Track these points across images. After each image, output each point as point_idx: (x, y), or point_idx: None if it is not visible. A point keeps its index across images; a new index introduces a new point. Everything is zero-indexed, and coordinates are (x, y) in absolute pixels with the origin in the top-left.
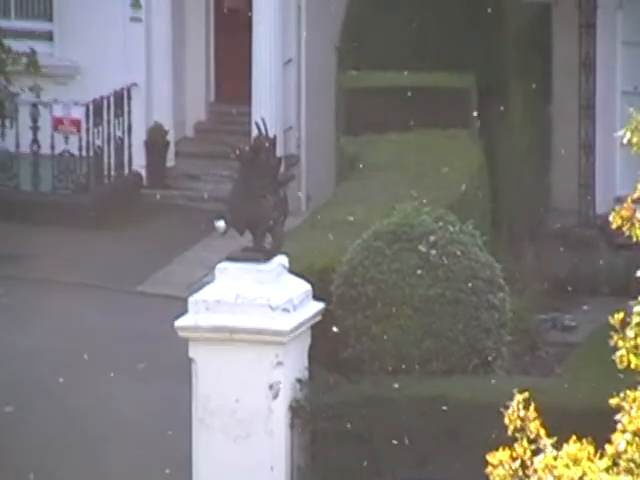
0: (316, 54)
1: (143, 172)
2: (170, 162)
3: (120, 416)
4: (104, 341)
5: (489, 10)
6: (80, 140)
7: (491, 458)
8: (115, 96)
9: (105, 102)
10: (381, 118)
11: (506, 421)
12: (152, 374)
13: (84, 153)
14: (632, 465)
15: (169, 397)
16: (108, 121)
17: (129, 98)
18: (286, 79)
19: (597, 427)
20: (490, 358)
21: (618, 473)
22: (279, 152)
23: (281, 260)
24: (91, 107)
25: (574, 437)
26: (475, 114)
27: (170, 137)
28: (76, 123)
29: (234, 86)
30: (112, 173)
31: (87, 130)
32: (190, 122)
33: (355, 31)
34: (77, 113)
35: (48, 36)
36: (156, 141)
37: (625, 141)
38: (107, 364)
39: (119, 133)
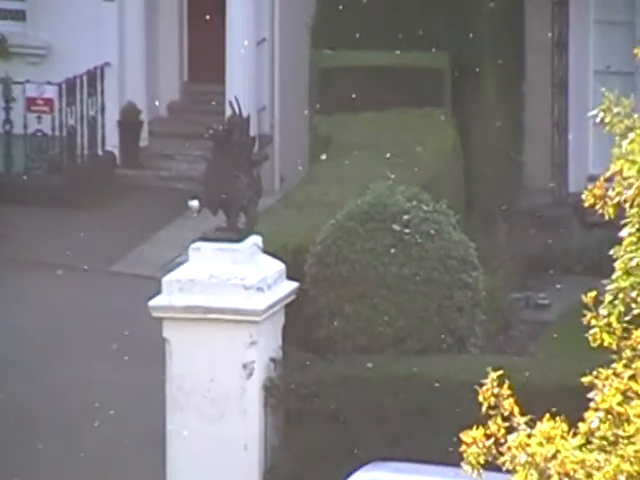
0: (290, 33)
1: (116, 152)
2: (144, 142)
3: (94, 395)
4: (78, 321)
5: None
6: (53, 120)
7: (465, 436)
8: (88, 76)
9: (78, 82)
10: (355, 97)
11: (480, 398)
12: (126, 354)
13: (57, 133)
14: (605, 443)
15: (143, 377)
16: (81, 101)
17: (102, 78)
18: (259, 59)
19: (570, 405)
20: (464, 337)
21: (591, 451)
22: (253, 132)
23: (255, 240)
24: (64, 87)
25: (547, 415)
26: (449, 93)
27: (143, 117)
28: (49, 103)
29: (208, 65)
30: (85, 153)
31: (60, 110)
32: (163, 102)
33: (329, 10)
34: (50, 93)
35: (21, 16)
36: (129, 121)
37: (598, 120)
38: (81, 344)
39: (92, 113)
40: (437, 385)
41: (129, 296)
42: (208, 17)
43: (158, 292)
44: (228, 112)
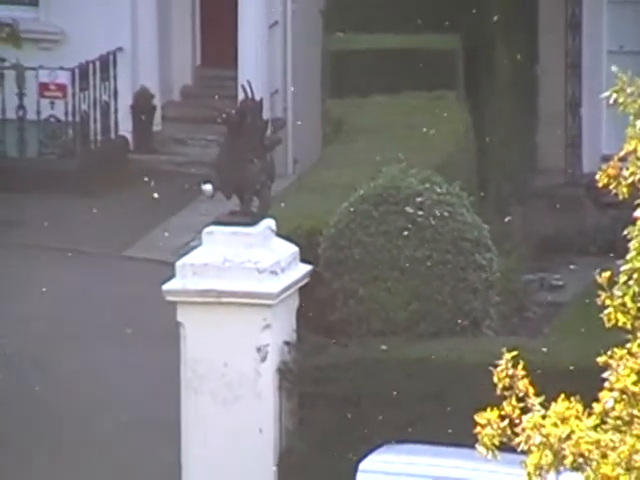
0: (302, 17)
1: (129, 137)
2: (157, 126)
3: (109, 380)
4: (92, 306)
5: None
6: (66, 105)
7: (479, 418)
8: (101, 61)
9: (91, 67)
10: (367, 80)
11: (495, 380)
12: (140, 338)
13: (70, 118)
14: (619, 423)
15: (157, 361)
16: (94, 86)
17: (115, 63)
18: (272, 42)
19: (585, 385)
20: (478, 319)
21: (606, 431)
22: (265, 115)
23: (268, 223)
24: (77, 72)
25: (562, 396)
26: (461, 75)
27: (156, 101)
28: (62, 88)
29: (220, 49)
30: (98, 138)
31: (73, 95)
32: (176, 86)
33: None
34: (63, 78)
35: (34, 1)
36: (142, 105)
37: (611, 101)
38: (95, 329)
39: (105, 98)
40: (452, 367)
41: (142, 281)
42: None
43: (172, 276)
44: (241, 96)
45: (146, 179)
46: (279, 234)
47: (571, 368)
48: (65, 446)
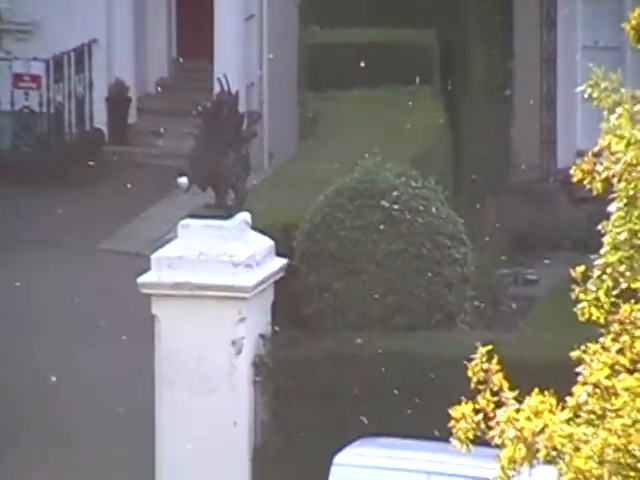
0: (278, 10)
1: (104, 129)
2: (132, 119)
3: (83, 372)
4: (66, 298)
5: None
6: (40, 96)
7: (454, 412)
8: (76, 52)
9: (66, 58)
10: (343, 74)
11: (469, 373)
12: (115, 331)
13: (44, 109)
14: (592, 416)
15: (131, 354)
16: (69, 77)
17: (90, 54)
18: (248, 35)
19: (559, 379)
20: (453, 313)
21: (579, 425)
22: (241, 108)
23: (244, 217)
24: (51, 63)
25: (536, 390)
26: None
27: (132, 93)
28: (36, 79)
29: (196, 42)
30: (73, 130)
31: (47, 86)
32: (152, 78)
33: None
34: (37, 69)
35: None
36: (117, 97)
37: (586, 96)
38: (69, 321)
39: (80, 89)
40: (426, 361)
41: (117, 273)
42: None
43: (147, 269)
44: (217, 89)
45: (121, 171)
46: (255, 227)
47: (545, 362)
48: (38, 437)
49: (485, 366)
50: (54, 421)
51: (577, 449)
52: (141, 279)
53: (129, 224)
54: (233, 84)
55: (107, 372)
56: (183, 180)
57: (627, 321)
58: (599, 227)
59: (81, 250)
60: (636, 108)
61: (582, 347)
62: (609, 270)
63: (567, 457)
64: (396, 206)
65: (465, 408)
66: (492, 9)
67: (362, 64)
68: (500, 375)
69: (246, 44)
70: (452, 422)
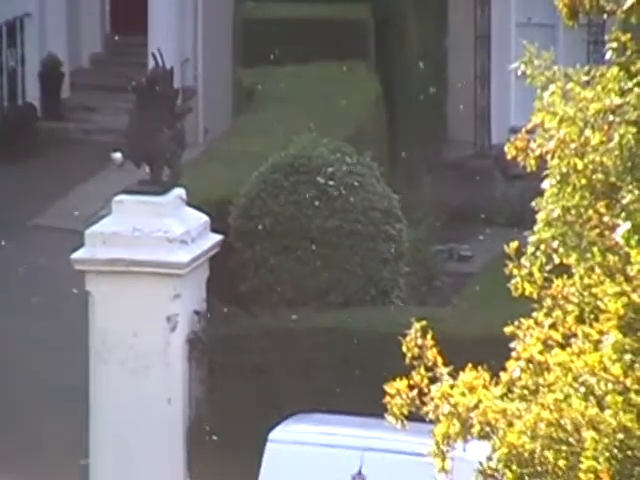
0: None
1: (37, 104)
2: (65, 94)
3: (16, 350)
4: None
5: None
6: None
7: (389, 388)
8: (7, 26)
9: None
10: (278, 50)
11: (404, 349)
12: (48, 308)
13: None
14: (525, 392)
15: (65, 331)
16: (0, 51)
17: (22, 28)
18: (182, 10)
19: (492, 355)
20: (387, 289)
21: (512, 400)
22: (176, 84)
23: (179, 192)
24: None
25: (470, 365)
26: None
27: (65, 68)
28: None
29: (131, 17)
30: (5, 104)
31: None
32: (86, 53)
33: None
34: None
35: None
36: (50, 72)
37: (519, 73)
38: (2, 297)
39: (12, 64)
40: (361, 337)
41: (51, 249)
42: None
43: (81, 245)
44: (151, 64)
45: (54, 147)
46: (189, 203)
47: (478, 337)
48: None
49: (419, 342)
50: None
51: (510, 424)
52: (75, 255)
53: (62, 200)
54: (168, 60)
55: (39, 350)
56: (117, 155)
57: (559, 296)
58: (533, 204)
59: (13, 226)
60: (569, 86)
61: (515, 322)
62: (542, 246)
63: (500, 432)
64: (331, 182)
65: (400, 384)
66: None
67: (297, 39)
68: (434, 351)
69: (181, 19)
70: (387, 398)
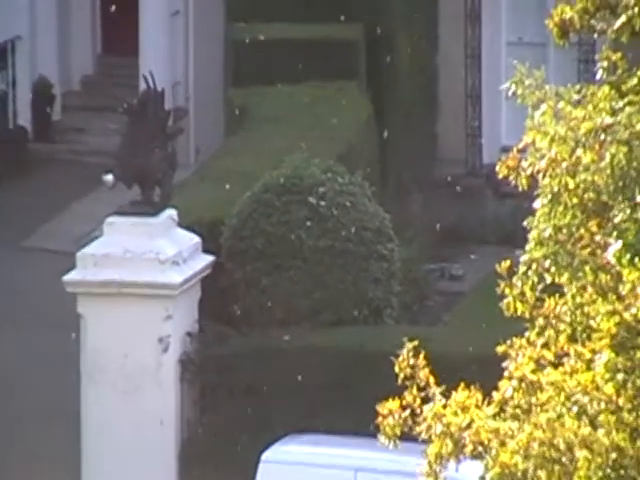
0: (204, 6)
1: (29, 126)
2: (56, 116)
3: (6, 371)
4: None
5: None
6: None
7: (381, 408)
8: None
9: None
10: (270, 70)
11: (396, 369)
12: (39, 329)
13: None
14: (518, 411)
15: (57, 353)
16: None
17: (13, 51)
18: (173, 31)
19: (485, 374)
20: (379, 308)
21: (505, 419)
22: (167, 105)
23: (170, 213)
24: None
25: (462, 385)
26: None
27: (56, 90)
28: None
29: (122, 38)
30: None
31: None
32: (77, 75)
33: None
34: None
35: None
36: (41, 95)
37: (510, 93)
38: None
39: (3, 87)
40: (353, 356)
41: (42, 271)
42: None
43: (72, 267)
44: (142, 86)
45: (45, 168)
46: (181, 224)
47: (471, 357)
48: None
49: (412, 362)
50: None
51: (503, 444)
52: (66, 277)
53: (54, 221)
54: (159, 81)
55: (31, 372)
56: (108, 178)
57: (552, 315)
58: (524, 223)
59: (4, 247)
60: (560, 105)
61: (508, 342)
62: (534, 265)
63: (493, 452)
64: (323, 202)
65: (392, 404)
66: (418, 3)
67: (288, 59)
68: (427, 370)
69: (171, 40)
70: (379, 418)
